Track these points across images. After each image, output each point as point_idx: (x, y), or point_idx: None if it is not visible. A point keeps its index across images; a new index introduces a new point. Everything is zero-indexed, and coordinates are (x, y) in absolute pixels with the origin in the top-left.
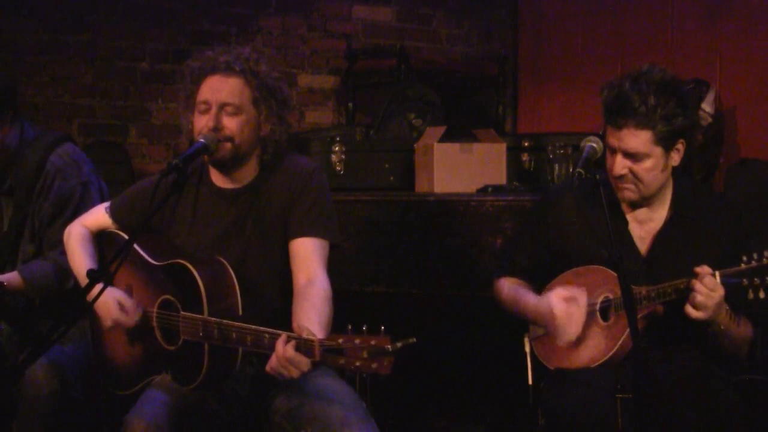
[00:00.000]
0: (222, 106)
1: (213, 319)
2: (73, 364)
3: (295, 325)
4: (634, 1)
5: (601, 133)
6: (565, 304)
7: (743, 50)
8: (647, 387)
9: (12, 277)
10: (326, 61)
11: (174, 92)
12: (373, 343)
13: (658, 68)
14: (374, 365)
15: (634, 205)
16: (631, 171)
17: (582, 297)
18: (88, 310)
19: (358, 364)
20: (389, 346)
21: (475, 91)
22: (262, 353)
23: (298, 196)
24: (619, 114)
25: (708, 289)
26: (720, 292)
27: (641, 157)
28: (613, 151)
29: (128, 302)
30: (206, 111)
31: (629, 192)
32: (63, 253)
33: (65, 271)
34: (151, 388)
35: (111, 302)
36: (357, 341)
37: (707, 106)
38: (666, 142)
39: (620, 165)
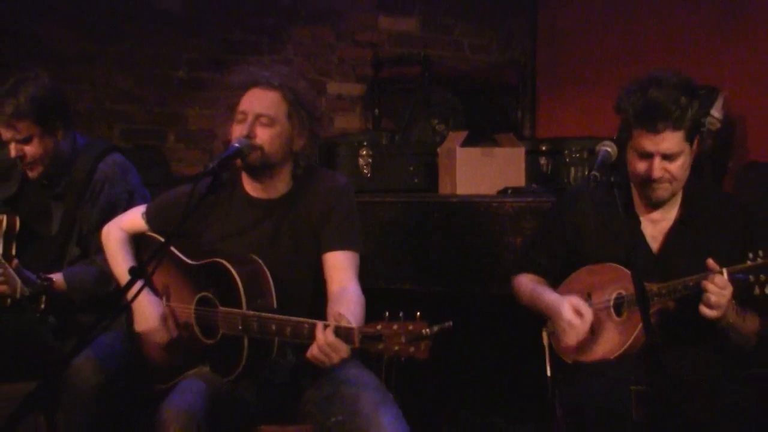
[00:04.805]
0: (257, 117)
1: (252, 312)
2: (116, 357)
3: (331, 315)
4: (649, 9)
5: (615, 137)
6: (573, 315)
7: (752, 54)
8: (661, 380)
9: (57, 279)
10: (353, 69)
11: (209, 99)
12: (410, 328)
13: (671, 71)
14: (412, 349)
15: (650, 206)
16: (667, 171)
17: (588, 314)
18: (128, 306)
19: (396, 348)
20: (426, 330)
21: (496, 97)
22: (300, 343)
23: (332, 211)
24: (656, 119)
25: (719, 288)
26: (730, 289)
27: (676, 156)
28: (647, 155)
29: (171, 320)
30: (243, 120)
31: (663, 191)
32: None
33: (107, 275)
34: (186, 378)
35: (155, 313)
36: (395, 327)
37: (716, 112)
38: (691, 138)
39: (659, 168)
